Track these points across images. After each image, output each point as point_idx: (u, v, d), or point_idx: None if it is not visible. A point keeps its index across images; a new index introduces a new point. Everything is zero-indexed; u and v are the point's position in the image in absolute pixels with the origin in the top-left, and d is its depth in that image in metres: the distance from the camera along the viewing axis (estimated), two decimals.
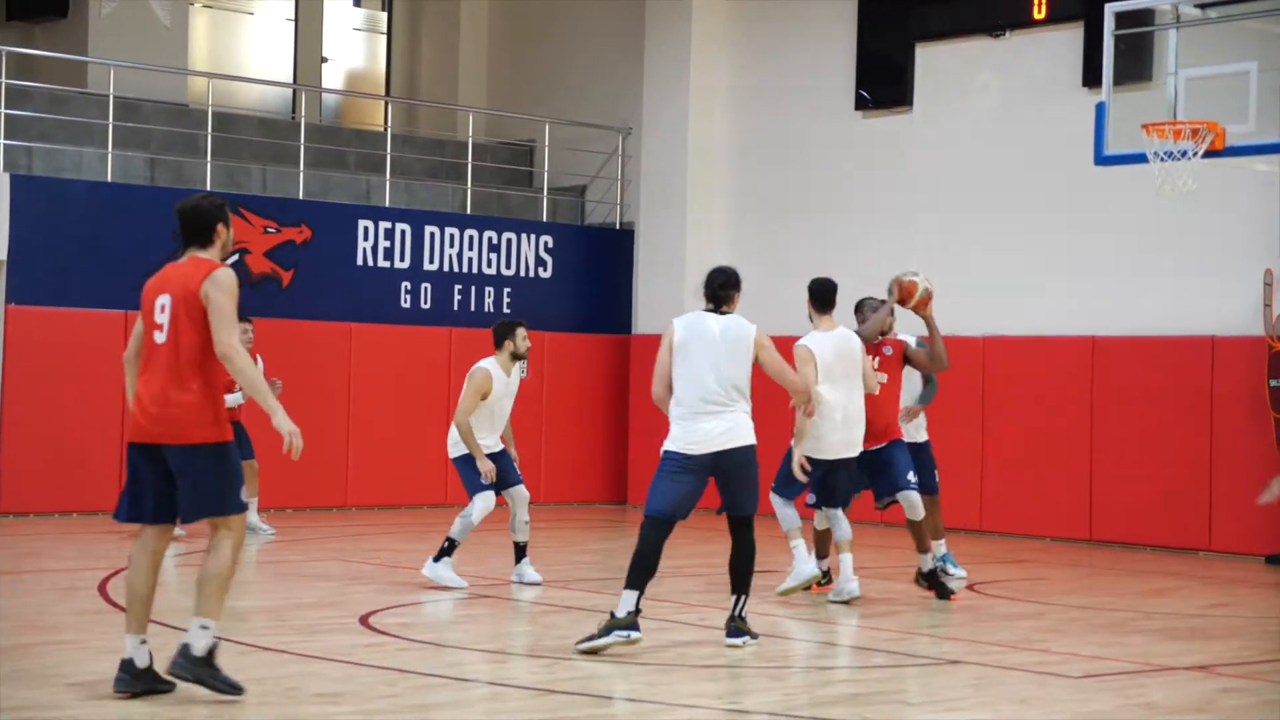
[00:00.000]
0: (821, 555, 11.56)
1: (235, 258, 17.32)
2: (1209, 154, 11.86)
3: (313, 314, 17.77)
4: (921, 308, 11.55)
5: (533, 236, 19.58)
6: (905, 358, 11.66)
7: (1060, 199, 16.72)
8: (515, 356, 11.53)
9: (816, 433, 10.96)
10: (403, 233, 18.58)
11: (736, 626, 9.18)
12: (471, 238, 19.09)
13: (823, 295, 11.16)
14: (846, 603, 11.08)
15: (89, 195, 16.69)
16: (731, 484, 9.11)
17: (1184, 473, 15.56)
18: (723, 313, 9.25)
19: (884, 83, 18.20)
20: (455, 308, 18.87)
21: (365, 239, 18.32)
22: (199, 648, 7.20)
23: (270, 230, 17.62)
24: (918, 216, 17.87)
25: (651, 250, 19.76)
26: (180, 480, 7.29)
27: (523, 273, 19.44)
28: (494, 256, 19.23)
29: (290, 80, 22.27)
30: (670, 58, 19.54)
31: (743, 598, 9.21)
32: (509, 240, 19.37)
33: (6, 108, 16.70)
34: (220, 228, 7.56)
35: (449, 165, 20.73)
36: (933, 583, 11.49)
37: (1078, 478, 16.25)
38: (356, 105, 23.46)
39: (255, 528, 14.99)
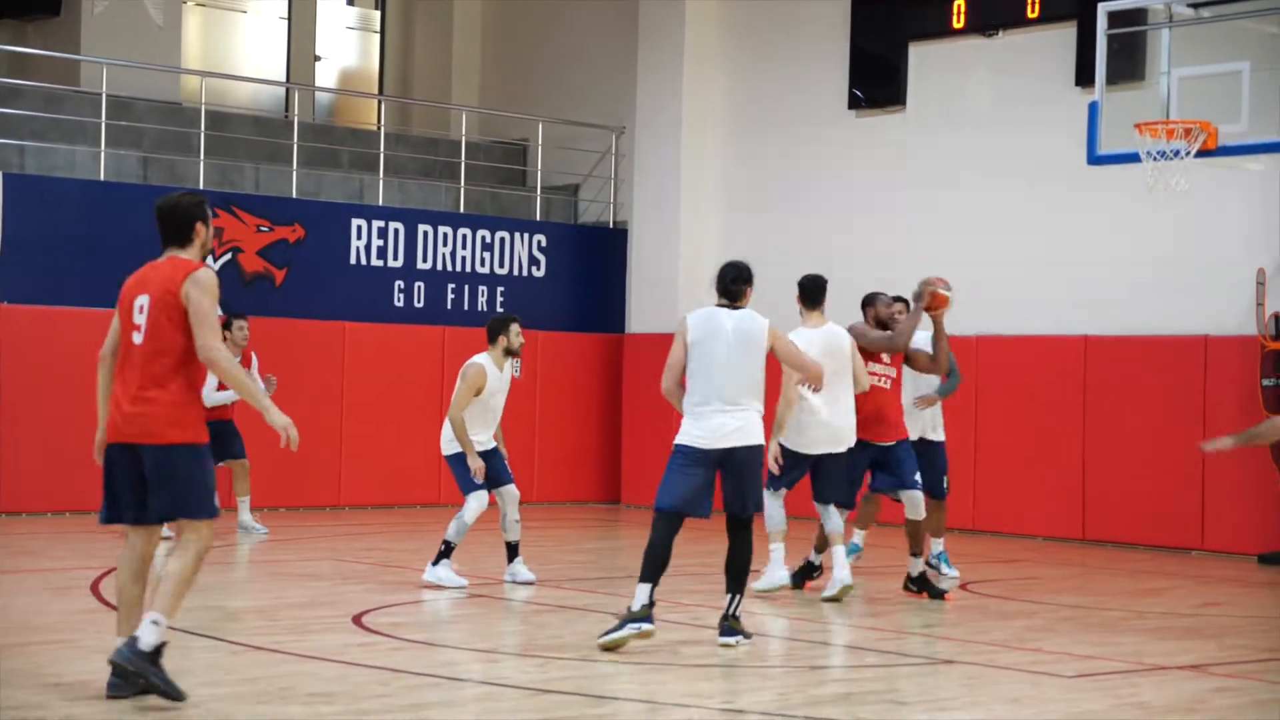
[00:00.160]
0: (819, 550, 11.63)
1: (229, 256, 17.31)
2: (1201, 153, 11.89)
3: (306, 313, 17.76)
4: (938, 312, 11.58)
5: (526, 235, 19.58)
6: (906, 356, 11.66)
7: (1053, 198, 16.73)
8: (509, 352, 11.53)
9: (799, 426, 10.99)
10: (396, 231, 18.57)
11: (730, 625, 9.19)
12: (465, 237, 19.08)
13: (812, 291, 11.18)
14: (838, 599, 11.10)
15: (82, 194, 16.67)
16: (735, 482, 9.13)
17: (1177, 472, 15.57)
18: (736, 308, 9.29)
19: (877, 82, 18.21)
20: (449, 307, 18.86)
21: (359, 238, 18.31)
22: (147, 642, 7.05)
23: (263, 229, 17.61)
24: (911, 216, 17.87)
25: (645, 249, 19.76)
26: (153, 480, 7.20)
27: (516, 272, 19.44)
28: (487, 255, 19.23)
29: (283, 79, 22.25)
30: (664, 57, 19.54)
31: (737, 597, 9.23)
32: (502, 239, 19.37)
33: None
34: (199, 226, 7.44)
35: (442, 164, 20.73)
36: (923, 585, 11.47)
37: (1070, 477, 16.26)
38: (350, 104, 23.45)
39: (248, 527, 14.99)
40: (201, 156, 17.93)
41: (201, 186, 17.64)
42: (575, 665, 8.60)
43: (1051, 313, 16.63)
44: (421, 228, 18.77)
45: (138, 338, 7.27)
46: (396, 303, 18.53)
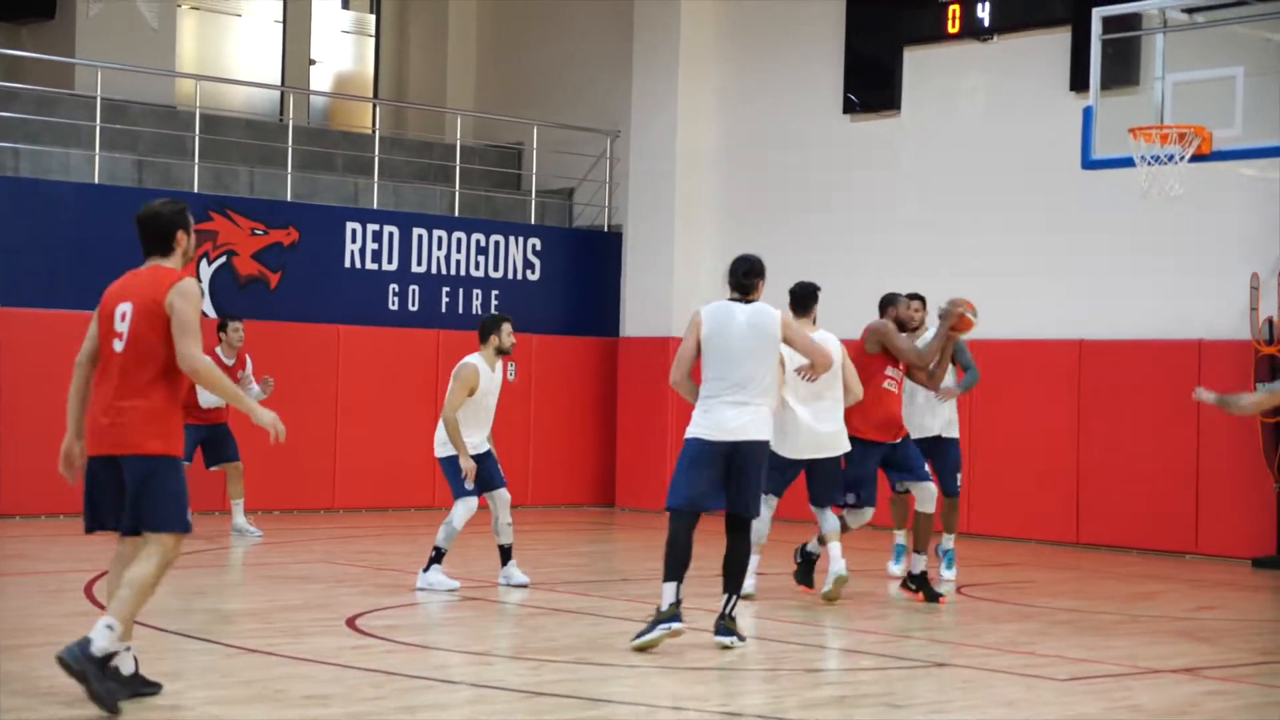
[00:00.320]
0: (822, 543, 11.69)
1: (223, 259, 17.30)
2: (1196, 158, 11.90)
3: (300, 316, 17.75)
4: (958, 334, 11.70)
5: (521, 239, 19.58)
6: (907, 368, 11.74)
7: (1047, 203, 16.75)
8: (500, 352, 11.54)
9: (784, 432, 11.01)
10: (390, 235, 18.57)
11: (725, 626, 9.20)
12: (459, 240, 19.08)
13: (803, 299, 11.23)
14: (834, 597, 11.13)
15: (76, 197, 16.66)
16: (738, 479, 9.14)
17: (1171, 476, 15.59)
18: (748, 301, 9.31)
19: (872, 86, 18.22)
20: (443, 310, 18.86)
21: (353, 241, 18.31)
22: (99, 646, 6.97)
23: (258, 232, 17.60)
24: (905, 220, 17.88)
25: (639, 253, 19.77)
26: (128, 490, 7.14)
27: (511, 275, 19.44)
28: (482, 259, 19.23)
29: (278, 82, 22.26)
30: (659, 60, 19.55)
31: (733, 597, 9.24)
32: (497, 242, 19.37)
33: None
34: (180, 235, 7.36)
35: (437, 167, 20.73)
36: (921, 585, 11.50)
37: (1065, 481, 16.27)
38: (344, 107, 23.45)
39: (243, 529, 14.98)
40: (196, 160, 17.92)
41: (196, 190, 17.63)
42: (569, 668, 8.60)
43: (1046, 316, 16.64)
44: (416, 231, 18.77)
45: (119, 345, 7.21)
46: (391, 306, 18.52)
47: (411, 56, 23.34)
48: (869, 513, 11.55)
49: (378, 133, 20.44)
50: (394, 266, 18.55)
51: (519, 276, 19.50)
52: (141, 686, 7.32)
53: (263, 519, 16.31)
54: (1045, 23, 16.80)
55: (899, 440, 11.57)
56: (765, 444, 9.21)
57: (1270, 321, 15.11)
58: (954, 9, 17.44)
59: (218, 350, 14.78)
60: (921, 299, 12.29)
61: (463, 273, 19.05)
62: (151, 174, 18.00)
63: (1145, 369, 15.83)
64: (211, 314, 16.74)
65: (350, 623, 9.89)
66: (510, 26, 22.46)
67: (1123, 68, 13.95)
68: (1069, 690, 8.39)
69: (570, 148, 20.73)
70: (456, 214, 19.59)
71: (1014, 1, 17.05)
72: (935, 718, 7.77)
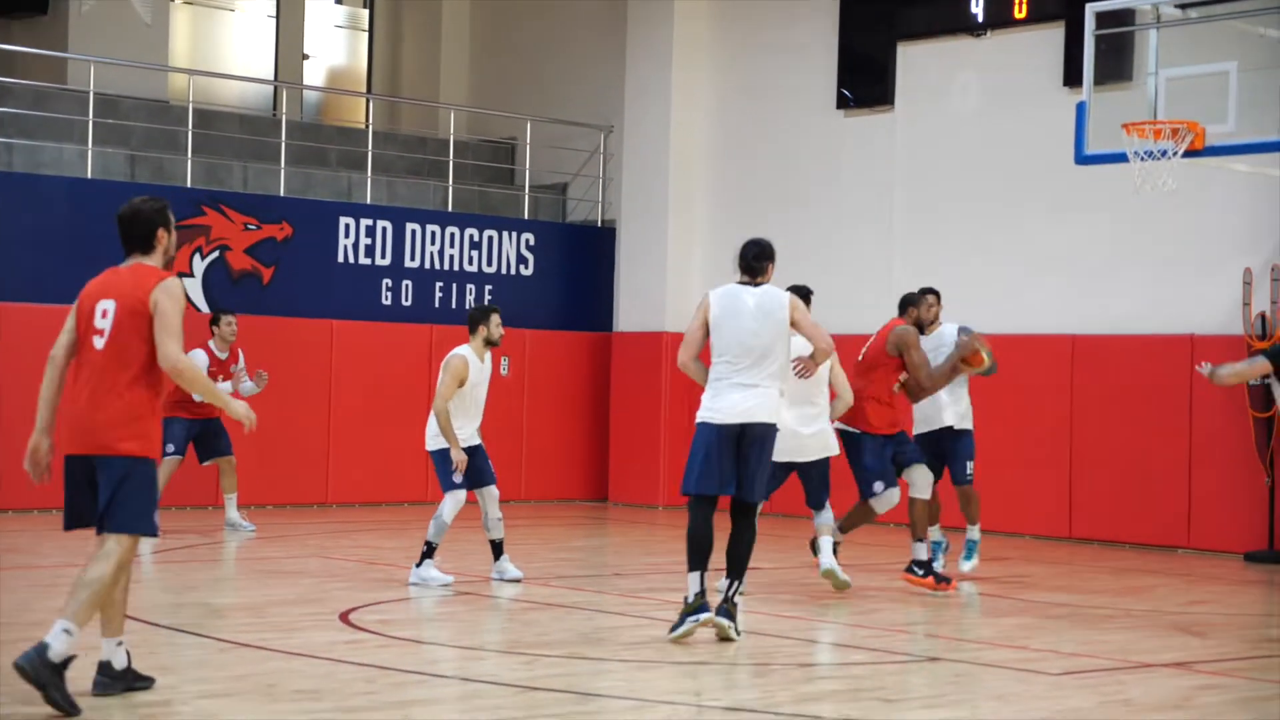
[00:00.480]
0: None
1: (216, 254, 17.28)
2: (1189, 154, 11.91)
3: (293, 311, 17.75)
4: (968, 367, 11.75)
5: (514, 234, 19.57)
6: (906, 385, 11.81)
7: (1041, 198, 16.75)
8: (489, 343, 11.55)
9: None
10: (384, 230, 18.56)
11: (727, 609, 9.18)
12: (453, 235, 19.07)
13: None
14: (837, 582, 11.19)
15: (69, 192, 16.64)
16: (744, 462, 9.12)
17: (1163, 470, 15.60)
18: (757, 284, 9.29)
19: (865, 82, 18.22)
20: (436, 305, 18.85)
21: (346, 236, 18.30)
22: (56, 651, 6.88)
23: (251, 227, 17.59)
24: (899, 215, 17.89)
25: (633, 248, 19.77)
26: (101, 490, 7.07)
27: (504, 270, 19.43)
28: (475, 254, 19.22)
29: (271, 77, 22.23)
30: (652, 55, 19.54)
31: (736, 583, 9.23)
32: (490, 238, 19.37)
33: None
34: (162, 233, 7.30)
35: (430, 162, 20.72)
36: (929, 571, 11.55)
37: (1058, 475, 16.28)
38: (338, 102, 23.43)
39: (236, 524, 14.98)
40: (189, 155, 17.91)
41: (189, 185, 17.62)
42: (562, 663, 8.60)
43: (1038, 311, 16.65)
44: (409, 226, 18.76)
45: (99, 343, 7.14)
46: (384, 301, 18.52)
47: (405, 51, 23.32)
48: (895, 494, 11.55)
49: (371, 128, 20.43)
50: (387, 261, 18.55)
51: (512, 271, 19.50)
52: (134, 681, 7.32)
53: (255, 513, 16.31)
54: (1039, 18, 16.81)
55: (899, 432, 11.70)
56: (772, 426, 9.18)
57: (1263, 317, 15.12)
58: (947, 4, 17.44)
59: (211, 344, 14.77)
60: (936, 293, 12.35)
61: (456, 268, 19.05)
62: (144, 169, 17.98)
63: (1138, 364, 15.84)
64: (204, 308, 16.74)
65: (343, 617, 9.88)
66: (503, 21, 22.45)
67: (1116, 63, 13.97)
68: (1062, 684, 8.40)
69: (564, 143, 20.73)
70: (450, 209, 19.58)
71: None
72: (928, 712, 7.77)
